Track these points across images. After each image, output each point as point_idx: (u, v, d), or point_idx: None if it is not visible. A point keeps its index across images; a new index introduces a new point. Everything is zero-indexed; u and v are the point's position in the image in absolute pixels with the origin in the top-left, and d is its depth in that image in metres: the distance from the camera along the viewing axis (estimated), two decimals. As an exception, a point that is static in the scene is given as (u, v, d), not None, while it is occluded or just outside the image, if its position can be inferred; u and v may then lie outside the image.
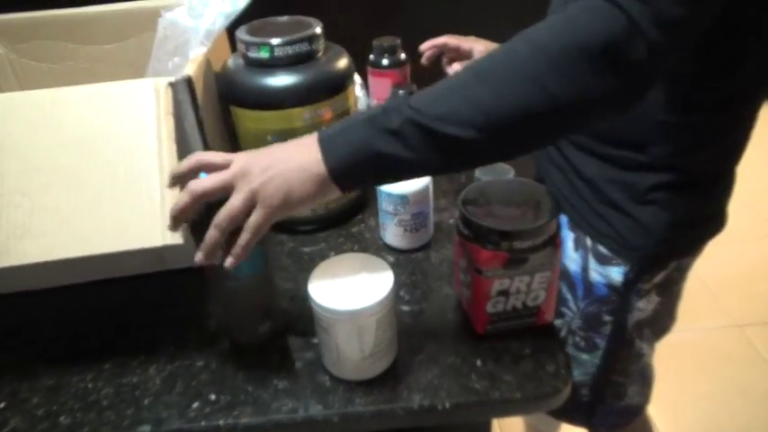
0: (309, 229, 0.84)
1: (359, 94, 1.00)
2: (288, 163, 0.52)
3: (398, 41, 1.02)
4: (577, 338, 0.88)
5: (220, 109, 0.79)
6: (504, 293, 0.61)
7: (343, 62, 0.78)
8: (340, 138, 0.53)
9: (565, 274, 0.85)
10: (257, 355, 0.65)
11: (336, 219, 0.85)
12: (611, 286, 0.81)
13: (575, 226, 0.82)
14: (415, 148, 0.50)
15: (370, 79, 1.06)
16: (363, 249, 0.80)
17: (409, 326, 0.67)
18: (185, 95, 0.66)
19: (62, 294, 0.73)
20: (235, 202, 0.51)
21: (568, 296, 0.86)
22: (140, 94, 0.62)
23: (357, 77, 1.03)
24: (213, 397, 0.60)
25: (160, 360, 0.65)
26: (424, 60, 0.99)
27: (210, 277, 0.61)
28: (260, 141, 0.76)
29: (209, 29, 0.72)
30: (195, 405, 0.59)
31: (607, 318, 0.84)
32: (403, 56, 1.03)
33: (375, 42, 1.02)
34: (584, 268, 0.83)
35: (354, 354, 0.58)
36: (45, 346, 0.68)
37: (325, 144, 0.53)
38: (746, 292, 1.96)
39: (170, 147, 0.61)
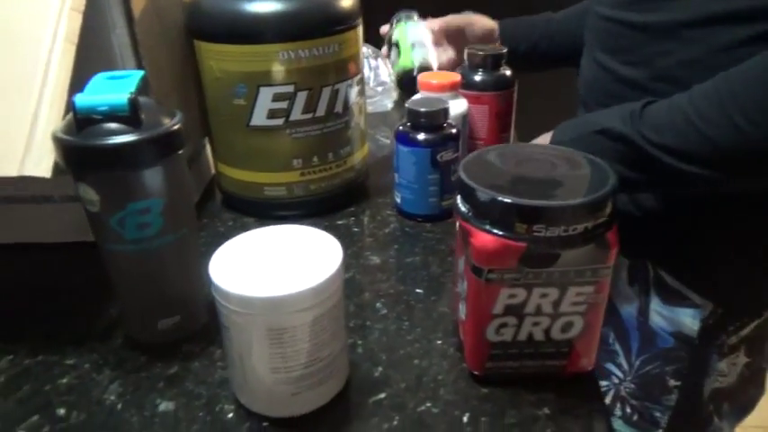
0: (284, 215, 0.64)
1: (375, 63, 0.82)
2: None
3: None
4: (629, 410, 0.65)
5: (188, 51, 0.62)
6: (517, 312, 0.39)
7: (347, 0, 0.60)
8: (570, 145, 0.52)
9: (613, 317, 0.63)
10: (151, 360, 0.45)
11: (319, 206, 0.65)
12: (680, 336, 0.58)
13: (629, 249, 0.60)
14: (636, 171, 0.51)
15: None
16: (346, 247, 0.60)
17: (374, 349, 0.46)
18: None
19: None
20: None
21: (617, 348, 0.64)
22: (47, -16, 0.46)
23: (367, 48, 0.86)
24: (62, 412, 0.40)
25: (20, 351, 0.46)
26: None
27: (96, 233, 0.43)
28: (225, 89, 0.58)
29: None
30: (33, 419, 0.40)
31: (673, 382, 0.61)
32: None
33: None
34: (643, 309, 0.60)
35: (265, 373, 0.37)
36: None
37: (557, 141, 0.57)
38: None
39: (66, 51, 0.44)
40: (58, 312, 0.51)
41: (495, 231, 0.36)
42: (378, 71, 0.97)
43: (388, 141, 0.82)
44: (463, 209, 0.39)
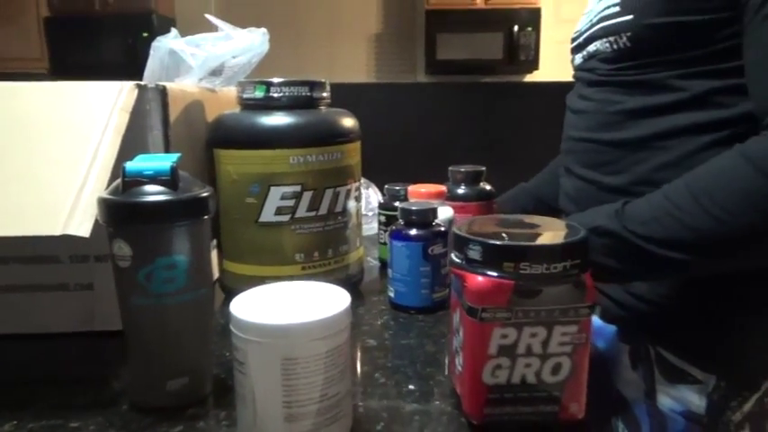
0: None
1: (366, 192, 0.91)
2: None
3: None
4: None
5: (207, 162, 0.71)
6: (509, 353, 0.42)
7: (348, 120, 0.70)
8: None
9: (621, 406, 0.64)
10: (156, 421, 0.46)
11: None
12: (690, 416, 0.59)
13: (629, 334, 0.64)
14: (625, 262, 0.55)
15: None
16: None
17: (375, 408, 0.47)
18: (156, 106, 0.59)
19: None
20: None
21: (627, 437, 0.63)
22: (102, 92, 0.55)
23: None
24: (67, 464, 0.41)
25: (25, 416, 0.47)
26: None
27: (122, 289, 0.46)
28: (240, 189, 0.66)
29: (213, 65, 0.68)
30: (38, 471, 0.40)
31: None
32: None
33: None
34: (649, 392, 0.62)
35: (277, 408, 0.39)
36: None
37: None
38: None
39: (114, 139, 0.52)
40: (64, 390, 0.52)
41: (487, 273, 0.41)
42: (369, 199, 1.07)
43: (378, 264, 0.88)
44: (457, 260, 0.44)
